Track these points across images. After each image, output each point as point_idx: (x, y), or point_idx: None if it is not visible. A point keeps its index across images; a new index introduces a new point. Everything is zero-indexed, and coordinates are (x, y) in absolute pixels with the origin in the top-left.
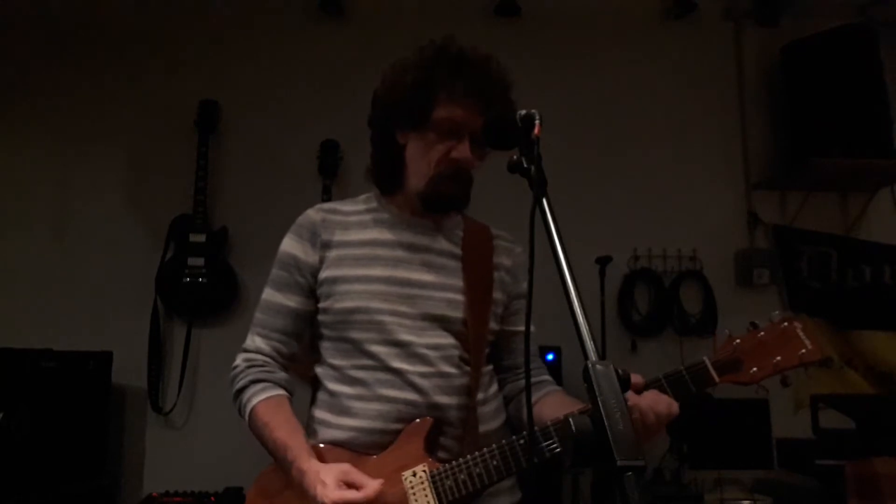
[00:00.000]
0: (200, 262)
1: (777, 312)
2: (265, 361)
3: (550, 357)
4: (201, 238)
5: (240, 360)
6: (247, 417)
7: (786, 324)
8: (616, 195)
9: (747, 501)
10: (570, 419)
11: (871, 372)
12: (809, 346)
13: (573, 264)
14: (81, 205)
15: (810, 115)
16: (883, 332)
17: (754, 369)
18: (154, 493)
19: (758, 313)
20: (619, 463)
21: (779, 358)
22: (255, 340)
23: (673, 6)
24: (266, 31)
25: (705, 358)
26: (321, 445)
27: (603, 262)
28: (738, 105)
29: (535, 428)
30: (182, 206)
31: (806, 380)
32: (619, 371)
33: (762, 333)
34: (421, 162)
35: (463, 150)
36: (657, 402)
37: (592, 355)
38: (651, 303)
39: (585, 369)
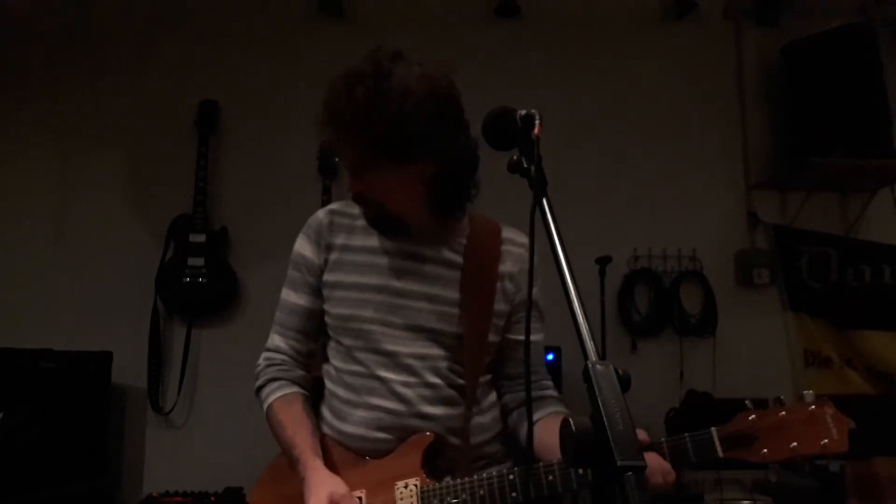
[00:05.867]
0: (200, 262)
1: (810, 392)
2: (283, 360)
3: (550, 357)
4: (201, 238)
5: (261, 358)
6: (265, 414)
7: (814, 407)
8: (616, 195)
9: (747, 501)
10: (570, 419)
11: (871, 372)
12: (835, 437)
13: (573, 264)
14: (81, 205)
15: (810, 115)
16: (883, 332)
17: (765, 450)
18: (154, 493)
19: (758, 313)
20: (619, 463)
21: (796, 443)
22: (274, 339)
23: (673, 6)
24: (266, 32)
25: (713, 429)
26: (334, 441)
27: (603, 262)
28: (738, 105)
29: (533, 465)
30: (182, 206)
31: (805, 380)
32: (619, 371)
33: (784, 413)
34: None
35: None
36: (652, 472)
37: (592, 355)
38: (651, 303)
39: (585, 369)
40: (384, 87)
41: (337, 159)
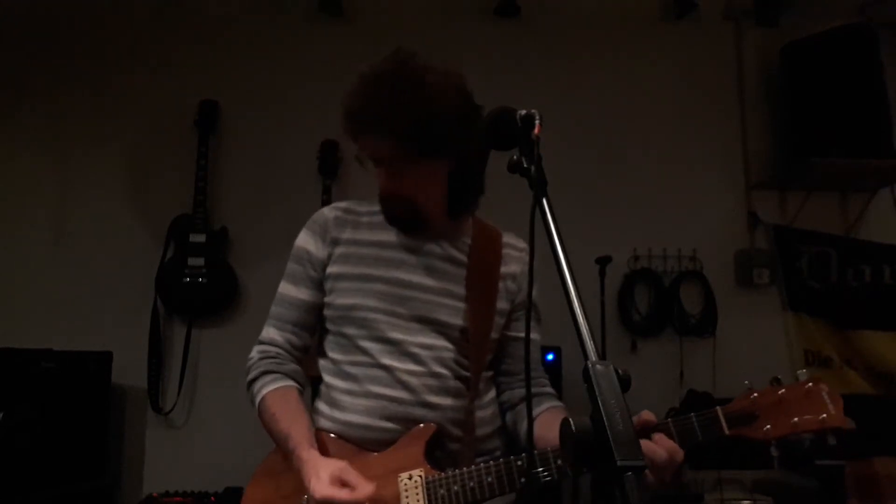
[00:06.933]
0: (200, 262)
1: (803, 371)
2: (277, 353)
3: (550, 357)
4: (201, 238)
5: (254, 351)
6: (257, 407)
7: (811, 384)
8: (616, 195)
9: (747, 501)
10: (570, 419)
11: (871, 372)
12: (833, 412)
13: (573, 264)
14: (81, 205)
15: (810, 115)
16: (883, 332)
17: (768, 427)
18: (154, 493)
19: (758, 313)
20: (619, 463)
21: (797, 419)
22: (269, 332)
23: (673, 6)
24: (266, 31)
25: (718, 408)
26: (331, 435)
27: (603, 262)
28: (738, 105)
29: (535, 451)
30: (182, 206)
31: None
32: (619, 371)
33: (783, 391)
34: None
35: (380, 179)
36: (655, 452)
37: (592, 355)
38: (651, 303)
39: (585, 369)
40: (418, 81)
41: (366, 153)
